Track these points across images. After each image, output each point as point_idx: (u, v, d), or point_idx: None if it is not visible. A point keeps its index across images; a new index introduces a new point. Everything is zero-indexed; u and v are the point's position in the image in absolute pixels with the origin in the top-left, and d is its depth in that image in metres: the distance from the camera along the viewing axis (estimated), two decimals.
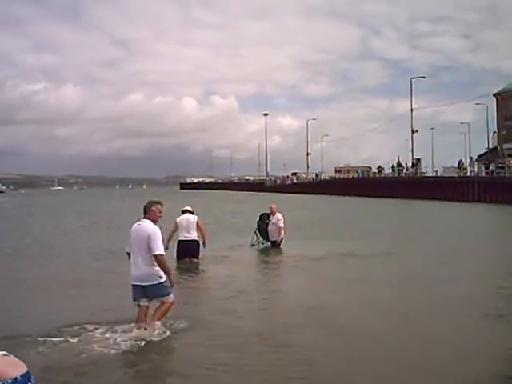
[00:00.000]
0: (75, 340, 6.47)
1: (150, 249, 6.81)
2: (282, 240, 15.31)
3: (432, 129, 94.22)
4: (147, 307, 6.93)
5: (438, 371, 5.50)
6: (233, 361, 5.84)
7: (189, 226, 12.80)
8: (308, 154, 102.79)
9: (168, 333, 6.76)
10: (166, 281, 6.89)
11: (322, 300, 8.87)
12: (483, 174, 50.87)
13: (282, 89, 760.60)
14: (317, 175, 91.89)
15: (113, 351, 6.12)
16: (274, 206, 15.66)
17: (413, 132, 68.09)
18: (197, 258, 12.87)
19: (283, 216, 15.47)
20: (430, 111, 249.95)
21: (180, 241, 12.93)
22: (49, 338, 6.48)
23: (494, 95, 74.40)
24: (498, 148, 72.09)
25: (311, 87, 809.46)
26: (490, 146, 73.40)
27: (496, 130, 74.98)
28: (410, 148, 67.53)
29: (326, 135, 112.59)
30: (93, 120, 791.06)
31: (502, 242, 17.38)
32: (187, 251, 12.79)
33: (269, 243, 15.48)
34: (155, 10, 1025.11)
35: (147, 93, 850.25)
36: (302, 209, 37.48)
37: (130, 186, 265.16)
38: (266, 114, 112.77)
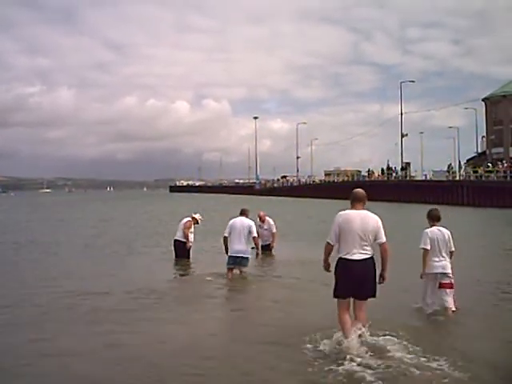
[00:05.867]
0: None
1: (251, 233, 10.89)
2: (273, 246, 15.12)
3: (421, 133, 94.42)
4: (232, 270, 10.92)
5: None
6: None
7: (179, 226, 13.60)
8: (298, 158, 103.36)
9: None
10: (249, 257, 10.97)
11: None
12: (472, 178, 51.24)
13: (274, 93, 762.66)
14: (299, 180, 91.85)
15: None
16: (262, 213, 15.51)
17: (402, 136, 68.47)
18: (184, 257, 13.38)
19: (274, 221, 15.37)
20: (419, 115, 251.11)
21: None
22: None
23: (483, 100, 74.98)
24: (487, 152, 72.65)
25: (302, 91, 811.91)
26: (479, 151, 73.93)
27: (485, 134, 75.56)
28: (400, 152, 67.95)
29: (316, 139, 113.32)
30: (85, 123, 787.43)
31: (479, 244, 17.77)
32: (176, 250, 13.54)
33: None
34: (149, 14, 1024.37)
35: (140, 96, 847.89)
36: (292, 212, 37.49)
37: (109, 189, 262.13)
38: (255, 118, 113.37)
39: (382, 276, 6.24)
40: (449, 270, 7.69)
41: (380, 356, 5.81)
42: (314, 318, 7.00)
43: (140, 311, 8.28)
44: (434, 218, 7.93)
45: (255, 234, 11.20)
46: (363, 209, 6.24)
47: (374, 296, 6.15)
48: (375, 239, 6.09)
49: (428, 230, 7.81)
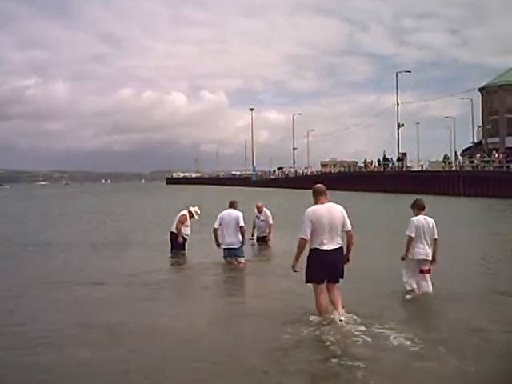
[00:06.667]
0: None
1: (238, 224, 11.20)
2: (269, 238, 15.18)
3: (417, 123, 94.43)
4: (231, 262, 11.23)
5: None
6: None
7: (175, 219, 13.64)
8: (294, 149, 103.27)
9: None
10: (243, 246, 11.36)
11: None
12: (468, 168, 51.27)
13: (270, 84, 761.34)
14: (296, 172, 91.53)
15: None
16: (260, 203, 15.64)
17: (399, 126, 68.36)
18: (179, 249, 13.37)
19: (271, 212, 15.43)
20: (416, 106, 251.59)
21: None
22: None
23: (479, 90, 74.91)
24: (483, 142, 72.70)
25: (297, 82, 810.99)
26: (475, 141, 73.98)
27: (481, 124, 75.57)
28: (396, 142, 67.91)
29: (312, 130, 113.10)
30: (82, 115, 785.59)
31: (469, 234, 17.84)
32: (172, 242, 13.57)
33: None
34: (145, 8, 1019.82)
35: (137, 88, 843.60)
36: (288, 203, 37.49)
37: (104, 181, 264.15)
38: (251, 109, 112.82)
39: (346, 258, 6.92)
40: (430, 257, 8.23)
41: (377, 346, 5.86)
42: (312, 307, 7.04)
43: (136, 302, 8.32)
44: (419, 207, 8.44)
45: (242, 224, 11.33)
46: (327, 201, 6.87)
47: (342, 277, 6.86)
48: (343, 227, 6.76)
49: (414, 219, 8.30)
